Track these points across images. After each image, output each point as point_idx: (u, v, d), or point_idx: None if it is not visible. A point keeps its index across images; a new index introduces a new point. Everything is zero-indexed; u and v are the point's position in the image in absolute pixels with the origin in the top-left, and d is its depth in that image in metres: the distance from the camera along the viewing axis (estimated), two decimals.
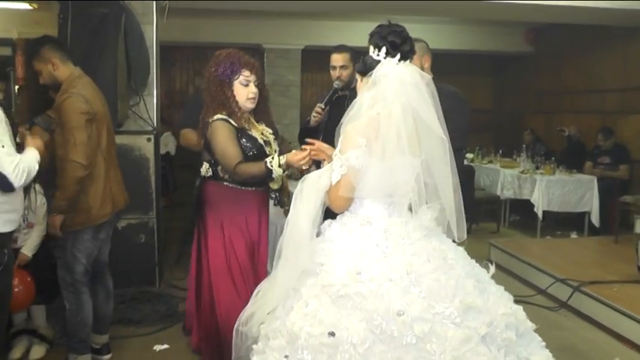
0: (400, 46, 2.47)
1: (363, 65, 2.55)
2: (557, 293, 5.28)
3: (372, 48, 2.52)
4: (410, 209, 2.49)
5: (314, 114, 4.30)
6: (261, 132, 3.47)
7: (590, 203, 7.61)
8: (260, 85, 3.47)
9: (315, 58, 10.50)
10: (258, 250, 3.54)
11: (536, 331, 2.52)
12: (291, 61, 10.31)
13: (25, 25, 8.38)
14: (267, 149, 3.41)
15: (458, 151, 2.89)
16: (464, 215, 2.54)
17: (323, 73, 10.94)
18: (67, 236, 3.50)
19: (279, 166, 3.15)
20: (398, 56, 2.47)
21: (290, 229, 2.53)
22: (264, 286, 2.67)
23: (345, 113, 2.49)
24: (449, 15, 8.51)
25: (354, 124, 2.44)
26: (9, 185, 2.91)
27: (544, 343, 2.51)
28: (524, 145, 9.11)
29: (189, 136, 4.26)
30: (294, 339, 2.28)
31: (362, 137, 2.38)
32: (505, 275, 5.79)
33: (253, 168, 3.23)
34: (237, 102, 3.37)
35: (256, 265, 3.51)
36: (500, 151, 9.56)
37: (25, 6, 7.91)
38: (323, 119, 4.32)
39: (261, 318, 2.52)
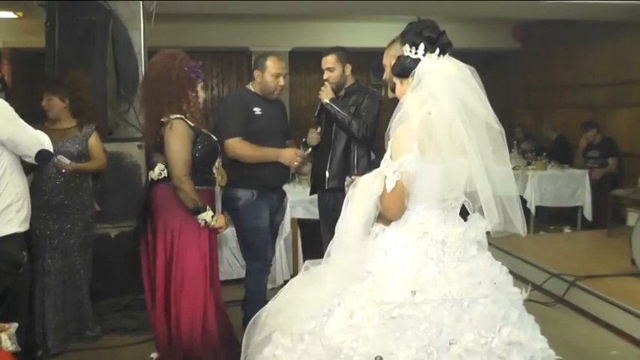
0: (438, 39, 2.36)
1: (400, 67, 2.41)
2: (552, 288, 5.29)
3: (407, 47, 2.39)
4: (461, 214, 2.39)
5: (311, 136, 4.31)
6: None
7: (583, 197, 7.65)
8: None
9: (303, 60, 10.50)
10: (212, 253, 3.48)
11: None
12: None
13: (11, 33, 8.33)
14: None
15: None
16: (521, 209, 2.43)
17: (311, 75, 10.96)
18: None
19: (209, 219, 3.31)
20: (437, 51, 2.35)
21: (340, 234, 2.44)
22: (299, 280, 2.56)
23: (392, 116, 2.34)
24: (436, 14, 8.49)
25: (403, 126, 2.28)
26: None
27: None
28: (515, 142, 9.12)
29: (242, 146, 4.00)
30: (335, 352, 2.20)
31: (414, 140, 2.25)
32: None
33: (193, 195, 3.26)
34: (198, 103, 3.45)
35: (212, 267, 3.47)
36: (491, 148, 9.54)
37: (10, 14, 7.86)
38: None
39: (294, 315, 2.39)
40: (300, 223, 5.72)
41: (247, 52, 10.43)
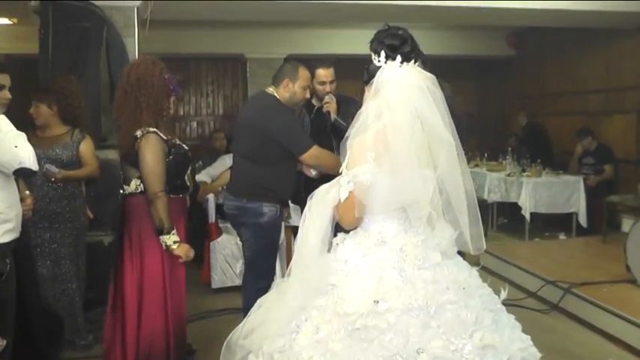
0: (399, 47, 2.35)
1: (367, 74, 2.43)
2: (547, 295, 5.28)
3: (372, 55, 2.41)
4: (429, 224, 2.35)
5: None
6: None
7: (577, 204, 7.64)
8: None
9: None
10: (173, 270, 3.42)
11: (528, 334, 2.47)
12: (274, 71, 10.18)
13: (5, 40, 8.32)
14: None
15: None
16: (481, 226, 2.44)
17: None
18: None
19: (169, 243, 3.23)
20: (399, 58, 2.34)
21: (299, 247, 2.43)
22: (267, 299, 2.55)
23: (350, 126, 2.35)
24: (430, 21, 8.52)
25: (360, 138, 2.29)
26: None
27: None
28: (509, 149, 9.14)
29: (323, 154, 3.84)
30: None
31: (370, 151, 2.24)
32: (495, 279, 5.77)
33: (163, 214, 3.21)
34: (170, 114, 3.42)
35: (177, 277, 3.46)
36: (486, 155, 9.59)
37: (5, 21, 7.85)
38: (306, 130, 4.29)
39: (265, 334, 2.38)
40: (295, 231, 5.70)
41: (242, 59, 10.44)
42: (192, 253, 3.34)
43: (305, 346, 2.21)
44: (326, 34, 9.78)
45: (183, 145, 3.49)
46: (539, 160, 8.18)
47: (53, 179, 4.05)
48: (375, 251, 2.30)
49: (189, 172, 3.53)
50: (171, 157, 3.33)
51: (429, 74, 2.37)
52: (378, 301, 2.16)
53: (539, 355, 2.39)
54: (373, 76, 2.39)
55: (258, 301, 2.59)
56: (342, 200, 2.32)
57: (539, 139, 9.29)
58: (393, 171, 2.24)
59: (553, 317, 5.00)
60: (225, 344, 2.58)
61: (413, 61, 2.38)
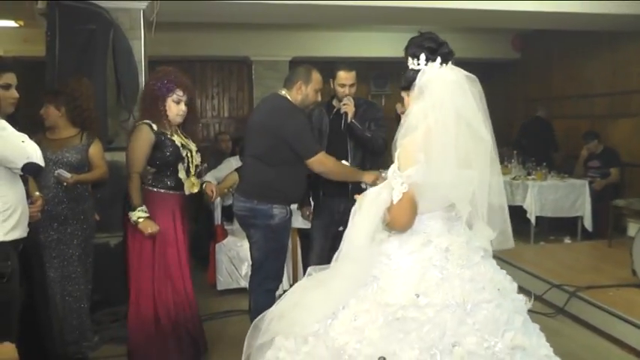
0: (438, 49, 2.42)
1: (404, 80, 2.49)
2: (553, 299, 5.27)
3: (410, 60, 2.46)
4: (467, 223, 2.41)
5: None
6: (181, 140, 3.85)
7: (583, 208, 7.60)
8: (191, 104, 3.89)
9: None
10: (166, 251, 3.78)
11: None
12: (280, 73, 10.15)
13: (13, 42, 8.35)
14: (185, 152, 3.81)
15: None
16: (509, 226, 2.48)
17: None
18: None
19: (134, 219, 3.65)
20: (439, 59, 2.41)
21: (347, 245, 2.47)
22: (301, 286, 2.60)
23: (398, 128, 2.40)
24: (435, 24, 8.53)
25: (410, 137, 2.33)
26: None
27: None
28: (514, 152, 9.12)
29: (329, 162, 3.89)
30: (339, 353, 2.24)
31: (421, 151, 2.28)
32: None
33: (133, 193, 3.69)
34: (167, 116, 3.78)
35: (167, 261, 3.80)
36: None
37: (11, 23, 7.88)
38: (324, 130, 4.37)
39: (296, 319, 2.44)
40: (300, 233, 5.72)
41: (248, 62, 10.46)
42: (154, 229, 3.67)
43: (341, 332, 2.29)
44: (331, 36, 9.79)
45: (176, 141, 3.78)
46: (544, 164, 8.16)
47: (65, 184, 4.06)
48: (420, 250, 2.36)
49: (183, 169, 3.83)
50: (163, 149, 3.73)
51: (468, 74, 2.41)
52: (419, 295, 2.24)
53: None
54: (412, 81, 2.42)
55: (294, 286, 2.67)
56: (395, 201, 2.33)
57: (544, 134, 9.15)
58: (439, 170, 2.29)
59: (558, 321, 4.99)
60: (252, 325, 2.63)
61: (450, 63, 2.45)
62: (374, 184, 3.82)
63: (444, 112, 2.30)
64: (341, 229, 4.54)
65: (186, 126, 3.97)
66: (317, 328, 2.36)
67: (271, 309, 2.58)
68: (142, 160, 3.70)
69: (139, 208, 3.65)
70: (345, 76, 4.29)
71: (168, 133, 3.78)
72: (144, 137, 3.70)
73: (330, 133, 4.36)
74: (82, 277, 4.22)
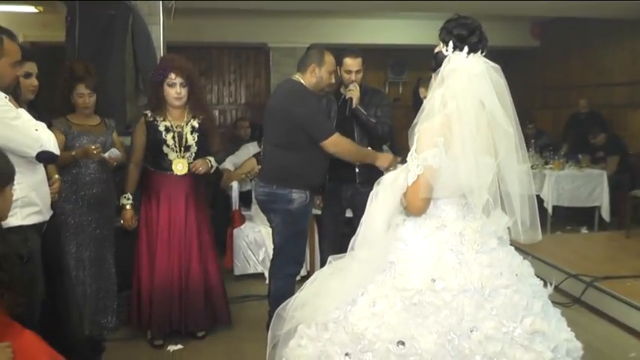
0: (467, 38, 2.39)
1: (435, 62, 2.47)
2: (569, 289, 5.24)
3: (441, 44, 2.45)
4: (484, 211, 2.40)
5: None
6: (177, 124, 4.05)
7: (601, 198, 7.56)
8: (189, 85, 4.01)
9: None
10: (157, 230, 4.05)
11: None
12: (297, 60, 10.10)
13: (32, 28, 8.38)
14: (171, 134, 4.01)
15: None
16: (537, 217, 2.48)
17: None
18: None
19: (120, 204, 4.09)
20: (466, 49, 2.39)
21: (364, 230, 2.49)
22: (322, 274, 2.64)
23: (418, 113, 2.41)
24: (454, 11, 8.46)
25: (429, 122, 2.35)
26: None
27: None
28: (532, 140, 9.06)
29: (344, 142, 3.91)
30: (358, 338, 2.27)
31: (439, 136, 2.30)
32: None
33: (128, 180, 4.10)
34: (166, 101, 4.01)
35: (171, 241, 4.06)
36: None
37: (31, 9, 7.91)
38: (333, 117, 4.38)
39: (318, 307, 2.47)
40: (316, 220, 5.72)
41: (265, 48, 10.44)
42: (131, 222, 4.10)
43: (361, 317, 2.31)
44: (349, 23, 9.73)
45: (159, 126, 4.01)
46: (562, 152, 8.11)
47: (115, 163, 4.10)
48: (434, 234, 2.38)
49: (173, 151, 4.01)
50: (151, 131, 4.01)
51: (494, 64, 2.40)
52: (435, 280, 2.26)
53: (581, 349, 2.47)
54: (440, 65, 2.42)
55: (315, 274, 2.69)
56: (409, 183, 2.35)
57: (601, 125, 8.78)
58: (455, 157, 2.30)
59: (575, 311, 4.96)
60: (275, 315, 2.66)
61: (480, 52, 2.42)
62: (388, 169, 3.84)
63: (463, 103, 2.30)
64: (349, 215, 4.59)
65: (191, 107, 4.11)
66: (337, 315, 2.39)
67: (293, 297, 2.61)
68: (136, 150, 4.07)
69: (124, 195, 4.07)
70: (350, 63, 4.32)
71: (161, 118, 4.02)
72: (138, 128, 4.07)
73: (337, 119, 4.37)
74: (113, 258, 4.30)
